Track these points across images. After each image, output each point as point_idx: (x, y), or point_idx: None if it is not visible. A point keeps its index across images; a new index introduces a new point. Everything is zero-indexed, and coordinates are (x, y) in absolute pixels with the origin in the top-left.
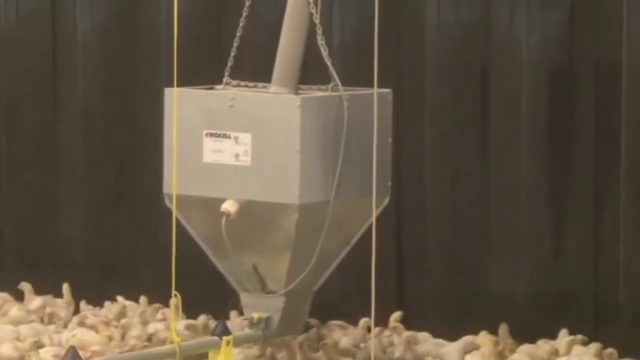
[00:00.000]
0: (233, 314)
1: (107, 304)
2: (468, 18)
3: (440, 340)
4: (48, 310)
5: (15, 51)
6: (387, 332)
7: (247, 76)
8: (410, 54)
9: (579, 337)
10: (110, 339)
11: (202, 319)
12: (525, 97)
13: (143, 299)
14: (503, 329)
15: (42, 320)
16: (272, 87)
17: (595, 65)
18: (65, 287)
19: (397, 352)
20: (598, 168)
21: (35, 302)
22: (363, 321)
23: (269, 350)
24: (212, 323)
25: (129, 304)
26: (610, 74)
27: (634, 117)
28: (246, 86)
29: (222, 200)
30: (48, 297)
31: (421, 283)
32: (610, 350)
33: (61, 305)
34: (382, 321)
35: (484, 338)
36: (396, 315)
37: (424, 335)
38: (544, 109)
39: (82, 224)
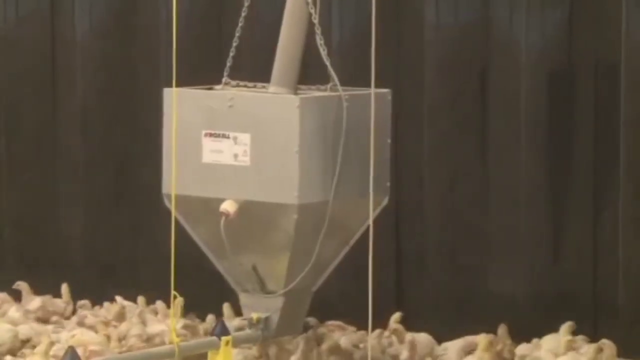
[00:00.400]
0: (226, 305)
1: (105, 304)
2: (467, 18)
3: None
4: (49, 309)
5: (15, 52)
6: (386, 334)
7: (246, 76)
8: (409, 54)
9: (580, 337)
10: (108, 339)
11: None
12: (525, 98)
13: (141, 300)
14: (502, 329)
15: (40, 320)
16: (271, 87)
17: (594, 65)
18: (64, 288)
19: (402, 356)
20: (597, 168)
21: (34, 302)
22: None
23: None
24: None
25: (128, 304)
26: (610, 74)
27: (633, 117)
28: (245, 86)
29: (221, 201)
30: (47, 297)
31: (420, 283)
32: (606, 340)
33: (60, 305)
34: (381, 322)
35: (482, 338)
36: (396, 316)
37: (422, 336)
38: (543, 109)
39: (81, 224)
